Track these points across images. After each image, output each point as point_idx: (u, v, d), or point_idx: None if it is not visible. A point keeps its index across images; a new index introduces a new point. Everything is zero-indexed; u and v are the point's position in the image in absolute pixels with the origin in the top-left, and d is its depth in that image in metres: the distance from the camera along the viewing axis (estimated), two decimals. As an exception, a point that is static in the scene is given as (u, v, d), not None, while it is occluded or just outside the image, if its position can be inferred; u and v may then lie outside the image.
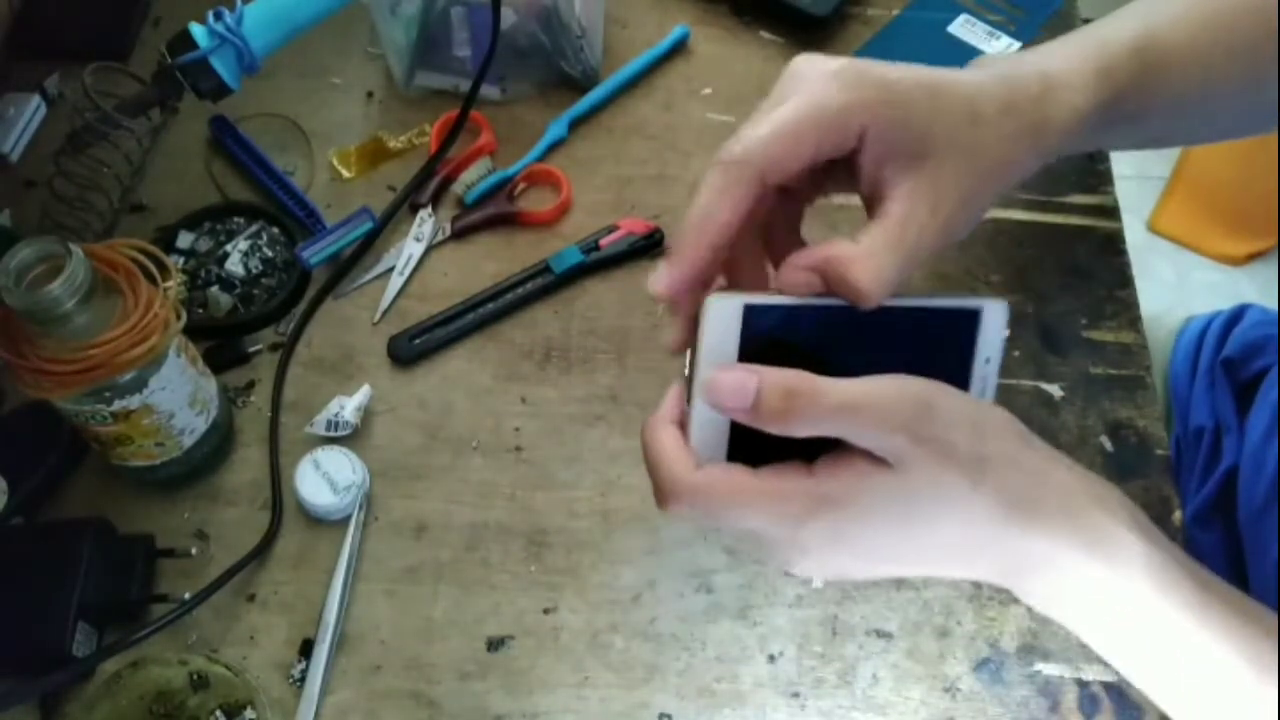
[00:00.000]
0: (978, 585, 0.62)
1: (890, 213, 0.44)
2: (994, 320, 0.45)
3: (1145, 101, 0.52)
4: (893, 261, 0.43)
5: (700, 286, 0.45)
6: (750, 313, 0.42)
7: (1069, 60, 0.50)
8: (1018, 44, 0.81)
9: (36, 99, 0.78)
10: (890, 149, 0.45)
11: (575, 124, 0.79)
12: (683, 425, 0.43)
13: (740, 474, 0.42)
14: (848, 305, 0.43)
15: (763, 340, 0.43)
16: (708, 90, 0.82)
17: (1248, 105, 0.55)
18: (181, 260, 0.72)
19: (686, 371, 0.44)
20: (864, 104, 0.44)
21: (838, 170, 0.46)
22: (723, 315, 0.42)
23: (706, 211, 0.43)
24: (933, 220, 0.45)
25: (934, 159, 0.45)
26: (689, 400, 0.43)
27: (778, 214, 0.48)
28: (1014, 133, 0.48)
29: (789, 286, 0.44)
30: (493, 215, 0.75)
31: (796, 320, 0.44)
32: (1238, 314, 0.84)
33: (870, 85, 0.45)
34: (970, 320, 0.45)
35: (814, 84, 0.45)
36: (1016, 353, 0.70)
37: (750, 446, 0.42)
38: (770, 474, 0.41)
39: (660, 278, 0.44)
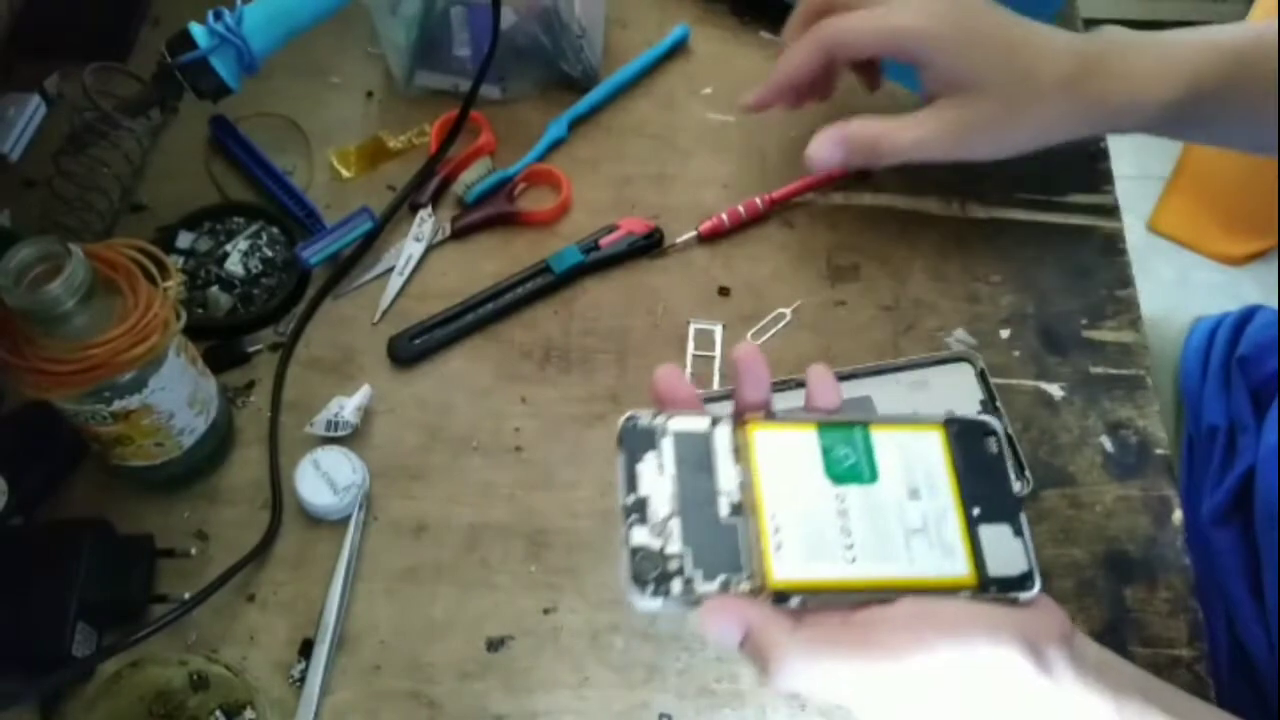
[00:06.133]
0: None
1: (922, 116, 0.61)
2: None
3: (1228, 102, 0.59)
4: (909, 141, 0.61)
5: (776, 103, 0.68)
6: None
7: (1172, 51, 0.59)
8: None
9: (36, 99, 0.78)
10: (944, 74, 0.60)
11: (575, 124, 0.79)
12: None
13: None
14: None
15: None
16: (708, 90, 0.82)
17: None
18: (181, 260, 0.72)
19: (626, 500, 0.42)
20: (935, 34, 0.60)
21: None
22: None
23: (786, 59, 0.65)
24: (950, 138, 0.61)
25: (978, 95, 0.60)
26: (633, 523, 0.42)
27: (860, 69, 0.70)
28: (1064, 105, 0.59)
29: (816, 155, 0.63)
30: (493, 215, 0.75)
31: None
32: (1248, 315, 0.83)
33: (953, 21, 0.60)
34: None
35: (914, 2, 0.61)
36: (1016, 353, 0.70)
37: None
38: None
39: (750, 96, 0.68)
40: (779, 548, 0.41)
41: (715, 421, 0.43)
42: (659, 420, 0.43)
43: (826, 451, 0.43)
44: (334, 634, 0.60)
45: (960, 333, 0.71)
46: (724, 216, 0.74)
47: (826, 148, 0.63)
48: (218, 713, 0.56)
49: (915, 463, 0.44)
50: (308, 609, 0.61)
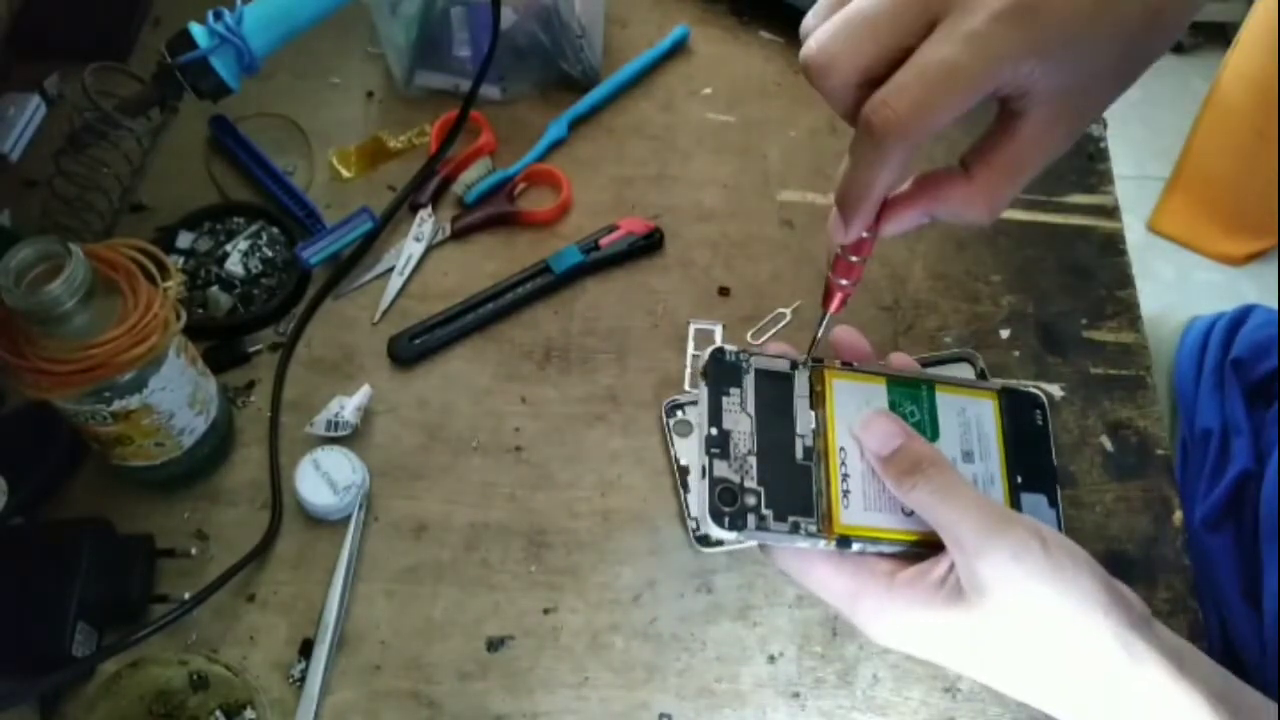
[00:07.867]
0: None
1: (1010, 137, 0.43)
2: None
3: None
4: (1006, 188, 0.43)
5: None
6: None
7: None
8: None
9: (36, 99, 0.78)
10: (1035, 85, 0.41)
11: (575, 124, 0.79)
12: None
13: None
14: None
15: None
16: (708, 90, 0.82)
17: None
18: (181, 260, 0.72)
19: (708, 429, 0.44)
20: (1028, 44, 0.40)
21: None
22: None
23: (875, 187, 0.41)
24: (1051, 143, 0.44)
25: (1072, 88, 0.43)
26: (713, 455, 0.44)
27: None
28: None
29: (896, 225, 0.44)
30: (493, 215, 0.75)
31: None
32: (1243, 314, 0.83)
33: (1038, 27, 0.40)
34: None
35: (976, 27, 0.39)
36: (1016, 353, 0.70)
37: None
38: None
39: (843, 233, 0.44)
40: (846, 494, 0.43)
41: (795, 365, 0.45)
42: (743, 357, 0.44)
43: (894, 407, 0.45)
44: (334, 634, 0.60)
45: (960, 333, 0.71)
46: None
47: (907, 220, 0.45)
48: (218, 713, 0.56)
49: (971, 426, 0.46)
50: (308, 609, 0.61)
